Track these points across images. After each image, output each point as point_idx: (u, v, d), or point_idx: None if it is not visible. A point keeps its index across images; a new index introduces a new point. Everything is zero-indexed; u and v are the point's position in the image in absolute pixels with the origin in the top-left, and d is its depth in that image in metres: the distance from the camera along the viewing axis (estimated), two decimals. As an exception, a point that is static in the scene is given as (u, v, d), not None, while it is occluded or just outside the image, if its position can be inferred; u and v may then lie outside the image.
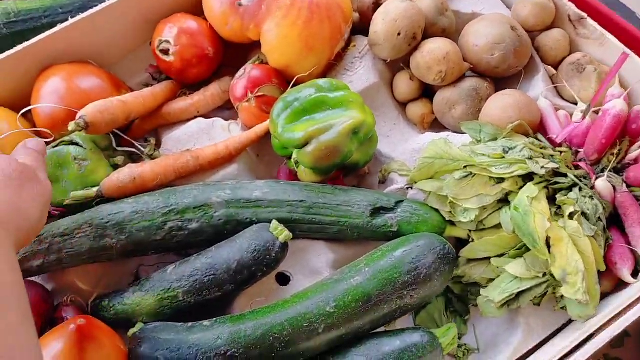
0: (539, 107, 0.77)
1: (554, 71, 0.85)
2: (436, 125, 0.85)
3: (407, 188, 0.74)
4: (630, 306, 0.57)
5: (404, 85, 0.84)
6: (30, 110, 0.77)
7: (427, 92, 0.86)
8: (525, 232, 0.61)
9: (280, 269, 0.69)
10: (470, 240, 0.69)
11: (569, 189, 0.65)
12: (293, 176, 0.79)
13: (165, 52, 0.82)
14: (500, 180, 0.66)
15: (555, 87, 0.83)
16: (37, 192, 0.54)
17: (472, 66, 0.81)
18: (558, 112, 0.77)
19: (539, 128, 0.76)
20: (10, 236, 0.48)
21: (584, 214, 0.62)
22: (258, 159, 0.83)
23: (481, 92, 0.80)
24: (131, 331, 0.62)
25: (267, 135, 0.79)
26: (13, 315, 0.42)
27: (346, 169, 0.75)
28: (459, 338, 0.70)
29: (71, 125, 0.70)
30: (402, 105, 0.87)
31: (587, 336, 0.59)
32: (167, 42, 0.82)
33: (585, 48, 0.84)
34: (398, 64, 0.86)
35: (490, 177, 0.67)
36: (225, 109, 0.87)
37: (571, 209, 0.62)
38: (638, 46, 0.80)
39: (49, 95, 0.77)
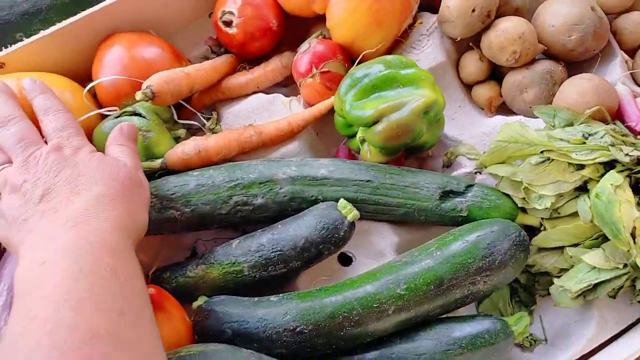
0: (618, 93, 0.73)
1: (627, 57, 0.81)
2: (502, 109, 0.82)
3: (476, 172, 0.72)
4: None
5: (472, 65, 0.81)
6: (91, 79, 0.76)
7: (493, 74, 0.83)
8: (608, 221, 0.58)
9: (343, 249, 0.68)
10: (542, 228, 0.66)
11: (655, 179, 0.62)
12: (352, 156, 0.78)
13: (228, 23, 0.80)
14: (580, 167, 0.63)
15: (632, 73, 0.79)
16: (143, 197, 0.57)
17: (545, 48, 0.78)
18: (637, 99, 0.74)
19: (616, 115, 0.73)
20: (133, 244, 0.52)
21: (672, 206, 0.59)
22: (317, 137, 0.81)
23: (555, 76, 0.76)
24: (195, 304, 0.62)
25: (328, 113, 0.77)
26: (149, 327, 0.46)
27: (413, 150, 0.73)
28: (524, 327, 0.68)
29: (138, 95, 0.69)
30: (467, 87, 0.84)
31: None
32: (231, 13, 0.80)
33: (669, 32, 0.80)
34: (465, 44, 0.83)
35: (569, 164, 0.64)
36: (282, 85, 0.85)
37: (660, 200, 0.59)
38: None
39: (112, 64, 0.76)
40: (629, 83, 0.77)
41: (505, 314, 0.68)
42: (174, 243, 0.74)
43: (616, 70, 0.78)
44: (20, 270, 0.47)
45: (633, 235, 0.57)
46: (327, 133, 0.81)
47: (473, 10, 0.75)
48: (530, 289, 0.68)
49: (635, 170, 0.63)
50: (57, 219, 0.49)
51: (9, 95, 0.60)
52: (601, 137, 0.64)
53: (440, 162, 0.78)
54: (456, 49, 0.84)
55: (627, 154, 0.62)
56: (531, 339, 0.66)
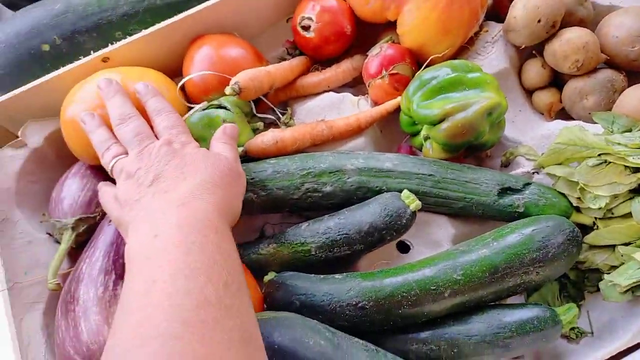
0: (679, 103, 0.75)
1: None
2: (561, 115, 0.85)
3: (533, 172, 0.76)
4: None
5: (534, 72, 0.85)
6: (182, 76, 0.85)
7: (554, 81, 0.86)
8: (661, 223, 0.61)
9: (402, 237, 0.73)
10: (595, 227, 0.69)
11: None
12: (413, 153, 0.83)
13: (307, 28, 0.88)
14: (636, 170, 0.66)
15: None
16: (240, 188, 0.64)
17: (608, 58, 0.81)
18: (699, 109, 0.75)
19: (677, 124, 0.75)
20: (230, 228, 0.57)
21: None
22: (382, 134, 0.87)
23: (616, 84, 0.79)
24: (266, 277, 0.69)
25: (393, 112, 0.83)
26: (246, 297, 0.51)
27: (474, 148, 0.77)
28: (571, 320, 0.71)
29: (227, 90, 0.77)
30: (529, 92, 0.88)
31: None
32: (310, 18, 0.87)
33: None
34: (526, 52, 0.87)
35: (626, 167, 0.67)
36: (349, 86, 0.91)
37: None
38: None
39: (201, 62, 0.85)
40: (691, 94, 0.78)
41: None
42: (245, 225, 0.81)
43: (677, 81, 0.80)
44: (134, 243, 0.53)
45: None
46: (390, 131, 0.86)
47: (539, 21, 0.79)
48: (579, 285, 0.72)
49: (691, 175, 0.65)
50: (167, 199, 0.56)
51: (126, 96, 0.69)
52: (658, 143, 0.67)
53: (499, 162, 0.82)
54: (519, 56, 0.88)
55: (683, 160, 0.64)
56: (578, 332, 0.69)
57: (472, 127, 0.70)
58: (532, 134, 0.80)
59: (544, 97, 0.85)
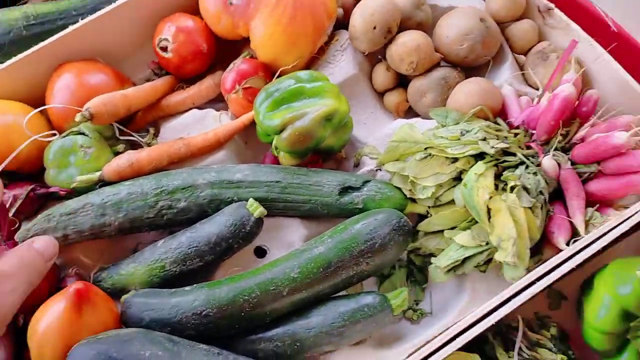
0: (502, 93, 0.82)
1: (525, 59, 0.90)
2: (411, 113, 0.91)
3: (377, 170, 0.81)
4: (554, 268, 0.63)
5: (381, 75, 0.91)
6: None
7: (403, 82, 0.92)
8: (471, 206, 0.68)
9: (258, 243, 0.78)
10: (429, 215, 0.75)
11: (516, 166, 0.71)
12: (277, 161, 0.87)
13: (164, 49, 0.91)
14: (455, 160, 0.72)
15: (523, 74, 0.88)
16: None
17: (443, 57, 0.87)
18: (521, 98, 0.83)
19: (502, 113, 0.82)
20: None
21: (525, 188, 0.68)
22: (246, 145, 0.91)
23: (450, 81, 0.85)
24: (124, 297, 0.71)
25: (253, 123, 0.86)
26: None
27: (322, 152, 0.82)
28: (417, 304, 0.77)
29: (78, 117, 0.79)
30: (381, 94, 0.94)
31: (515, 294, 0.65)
32: (166, 39, 0.90)
33: (553, 37, 0.89)
34: (377, 56, 0.93)
35: (447, 158, 0.73)
36: (218, 101, 0.95)
37: (512, 184, 0.68)
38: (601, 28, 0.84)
39: (62, 91, 0.87)
40: (515, 84, 0.86)
41: (402, 293, 0.77)
42: (119, 246, 0.83)
43: (506, 72, 0.87)
44: None
45: (488, 217, 0.66)
46: (255, 141, 0.90)
47: (374, 28, 0.85)
48: (423, 270, 0.77)
49: (501, 160, 0.72)
50: None
51: None
52: (475, 133, 0.73)
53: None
54: (368, 61, 0.93)
55: (492, 147, 0.71)
56: (419, 313, 0.75)
57: (310, 134, 0.75)
58: (378, 133, 0.86)
59: (392, 98, 0.91)
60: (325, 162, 0.88)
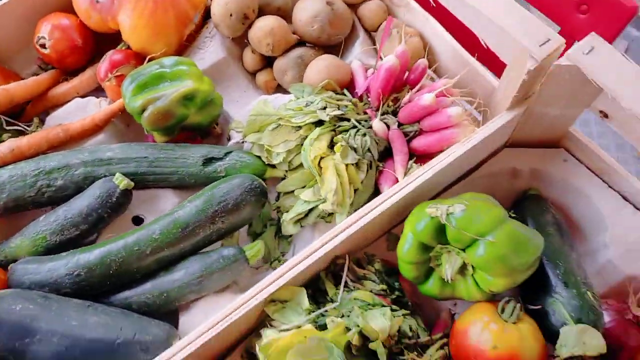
0: (351, 67, 0.93)
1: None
2: (281, 89, 1.01)
3: (243, 142, 0.91)
4: (372, 210, 0.73)
5: (249, 57, 1.00)
6: None
7: (271, 62, 1.02)
8: (308, 165, 0.78)
9: (136, 213, 0.86)
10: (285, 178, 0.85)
11: (350, 130, 0.82)
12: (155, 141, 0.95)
13: (43, 45, 0.98)
14: (299, 127, 0.83)
15: (374, 48, 0.99)
16: None
17: (299, 38, 0.97)
18: (369, 71, 0.93)
19: (351, 84, 0.93)
20: None
21: (353, 148, 0.79)
22: (128, 128, 0.99)
23: (306, 59, 0.95)
24: (11, 265, 0.79)
25: (125, 108, 0.94)
26: None
27: (194, 129, 0.91)
28: (283, 255, 0.86)
29: (-44, 110, 0.86)
30: (253, 74, 1.03)
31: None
32: (43, 37, 0.97)
33: (399, 14, 1.00)
34: (244, 40, 1.02)
35: (293, 127, 0.83)
36: (102, 89, 1.02)
37: (339, 144, 0.78)
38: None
39: (-54, 89, 0.93)
40: (365, 58, 0.96)
41: (271, 247, 0.87)
42: (14, 225, 0.89)
43: (357, 49, 0.98)
44: None
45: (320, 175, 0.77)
46: (137, 124, 0.98)
47: (231, 15, 0.94)
48: (288, 226, 0.88)
49: (337, 125, 0.82)
50: None
51: None
52: (317, 104, 0.83)
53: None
54: (238, 45, 1.02)
55: (327, 114, 0.81)
56: (283, 261, 0.85)
57: (169, 112, 0.84)
58: (246, 110, 0.95)
59: (262, 77, 1.00)
60: (205, 138, 0.96)
